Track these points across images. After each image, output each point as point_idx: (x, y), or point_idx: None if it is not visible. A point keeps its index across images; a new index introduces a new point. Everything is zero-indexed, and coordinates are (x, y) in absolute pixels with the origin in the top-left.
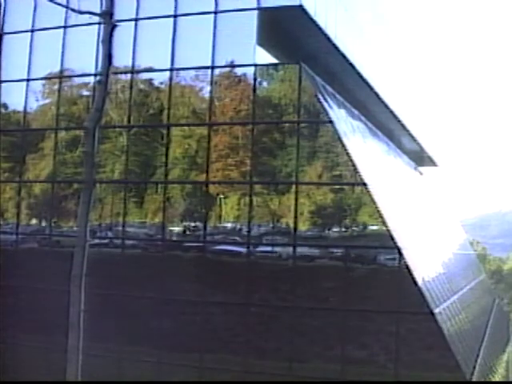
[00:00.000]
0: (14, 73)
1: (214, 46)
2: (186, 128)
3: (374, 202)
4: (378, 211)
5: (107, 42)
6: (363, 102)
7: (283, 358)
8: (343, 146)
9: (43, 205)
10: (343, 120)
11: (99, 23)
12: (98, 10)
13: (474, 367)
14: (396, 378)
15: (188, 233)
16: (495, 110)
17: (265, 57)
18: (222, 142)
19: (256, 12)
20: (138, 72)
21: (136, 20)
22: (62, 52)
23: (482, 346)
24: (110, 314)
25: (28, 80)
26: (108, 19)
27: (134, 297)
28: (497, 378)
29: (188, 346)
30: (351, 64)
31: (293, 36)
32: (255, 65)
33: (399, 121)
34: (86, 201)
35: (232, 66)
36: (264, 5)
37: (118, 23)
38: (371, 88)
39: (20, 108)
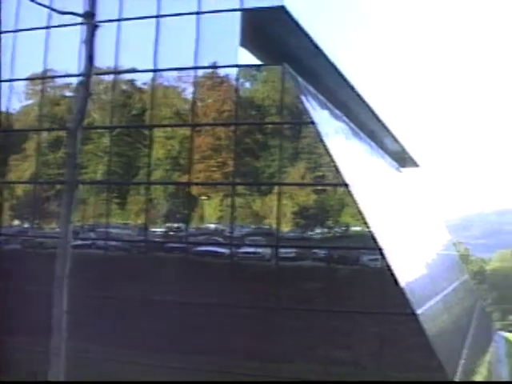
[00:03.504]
0: None
1: (196, 47)
2: (168, 129)
3: (356, 203)
4: (361, 212)
5: (89, 42)
6: (346, 103)
7: (266, 358)
8: (326, 146)
9: (26, 206)
10: (326, 121)
11: (81, 24)
12: (80, 11)
13: (457, 368)
14: (379, 378)
15: (171, 234)
16: (478, 111)
17: (248, 58)
18: (204, 142)
19: (239, 13)
20: (121, 73)
21: (118, 21)
22: (45, 53)
23: (464, 347)
24: (91, 315)
25: (10, 81)
26: (90, 20)
27: (116, 298)
28: (479, 379)
29: (169, 347)
30: (334, 65)
31: (276, 37)
32: (238, 66)
33: (381, 122)
34: (68, 202)
35: (215, 67)
36: (247, 6)
37: (100, 24)
38: (354, 89)
39: (2, 109)
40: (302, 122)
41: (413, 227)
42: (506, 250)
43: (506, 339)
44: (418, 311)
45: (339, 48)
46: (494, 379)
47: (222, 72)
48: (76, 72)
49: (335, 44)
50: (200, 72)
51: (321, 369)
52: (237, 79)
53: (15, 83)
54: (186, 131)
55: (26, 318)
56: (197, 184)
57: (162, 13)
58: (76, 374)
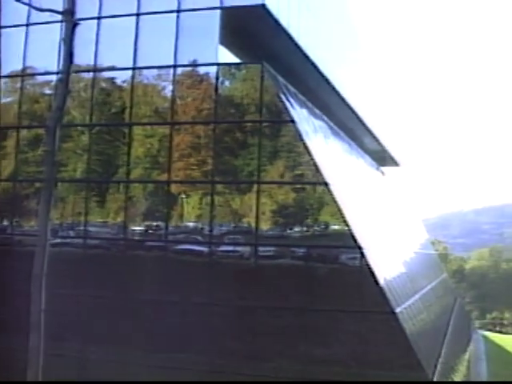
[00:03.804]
0: None
1: (176, 45)
2: (148, 127)
3: (335, 202)
4: (340, 211)
5: (68, 40)
6: (325, 102)
7: (245, 357)
8: (305, 145)
9: (5, 204)
10: (305, 120)
11: (61, 21)
12: (60, 8)
13: (436, 366)
14: (358, 376)
15: (150, 232)
16: (457, 109)
17: (227, 56)
18: (184, 141)
19: (218, 11)
20: (100, 70)
21: (98, 18)
22: (24, 50)
23: (443, 345)
24: (69, 314)
25: None
26: (69, 17)
27: (95, 296)
28: (458, 377)
29: (149, 346)
30: (313, 64)
31: (255, 35)
32: (217, 64)
33: (361, 121)
34: (46, 200)
35: (194, 65)
36: (226, 4)
37: (79, 21)
38: (333, 88)
39: None
40: (281, 120)
41: (392, 226)
42: (484, 249)
43: (485, 338)
44: (397, 310)
45: (319, 47)
46: (473, 377)
47: (201, 70)
48: (55, 69)
49: (315, 43)
50: (179, 70)
51: (299, 367)
52: (216, 77)
53: None
54: (166, 129)
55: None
56: (176, 182)
57: (142, 11)
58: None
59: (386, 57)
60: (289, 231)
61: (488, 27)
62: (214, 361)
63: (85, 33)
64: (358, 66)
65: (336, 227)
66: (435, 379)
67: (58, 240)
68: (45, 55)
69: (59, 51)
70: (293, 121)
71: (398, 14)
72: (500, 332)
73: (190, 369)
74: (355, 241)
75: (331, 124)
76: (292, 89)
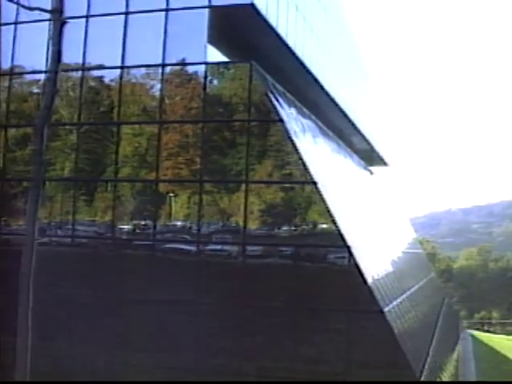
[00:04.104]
0: None
1: (164, 44)
2: (136, 126)
3: (323, 201)
4: (328, 210)
5: (57, 38)
6: (314, 101)
7: (233, 356)
8: (293, 145)
9: None
10: (293, 119)
11: (49, 20)
12: (48, 7)
13: (424, 365)
14: (346, 376)
15: (138, 231)
16: (446, 109)
17: (216, 55)
18: (172, 140)
19: (207, 10)
20: (89, 69)
21: (87, 17)
22: (13, 48)
23: (431, 345)
24: (55, 312)
25: None
26: (58, 16)
27: (82, 295)
28: (446, 377)
29: (136, 345)
30: (302, 63)
31: (244, 35)
32: (206, 63)
33: (350, 120)
34: (34, 199)
35: (183, 64)
36: (215, 3)
37: (67, 20)
38: (322, 87)
39: None
40: (269, 119)
41: (380, 225)
42: (472, 249)
43: (473, 337)
44: (385, 309)
45: (308, 46)
46: (461, 377)
47: (190, 69)
48: (43, 68)
49: (304, 42)
50: (168, 69)
51: (286, 366)
52: (205, 77)
53: None
54: (154, 128)
55: None
56: (164, 181)
57: (131, 9)
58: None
59: (375, 56)
60: (277, 230)
61: (477, 29)
62: (199, 359)
63: (73, 31)
64: (347, 66)
65: (324, 226)
66: (423, 378)
67: (46, 239)
68: (33, 54)
69: (47, 50)
70: (281, 120)
71: (388, 11)
72: (488, 331)
73: (175, 368)
74: (343, 240)
75: (320, 123)
76: (280, 88)
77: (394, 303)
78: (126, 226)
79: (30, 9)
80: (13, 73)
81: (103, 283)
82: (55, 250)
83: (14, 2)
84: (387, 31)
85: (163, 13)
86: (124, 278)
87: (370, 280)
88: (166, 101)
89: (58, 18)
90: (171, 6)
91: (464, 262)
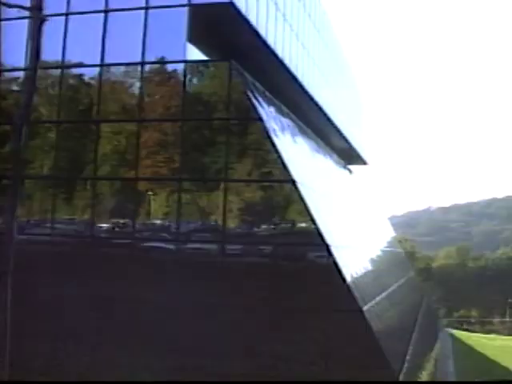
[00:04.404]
0: None
1: (144, 42)
2: (115, 124)
3: (302, 200)
4: (307, 209)
5: (36, 36)
6: (294, 100)
7: (210, 355)
8: (272, 143)
9: None
10: (272, 118)
11: (29, 17)
12: (28, 4)
13: (403, 364)
14: (324, 375)
15: (117, 229)
16: (426, 107)
17: (196, 54)
18: (151, 138)
19: (186, 9)
20: (68, 67)
21: (66, 15)
22: None
23: (410, 344)
24: (32, 311)
25: None
26: (37, 13)
27: (59, 294)
28: (425, 375)
29: (112, 344)
30: (282, 62)
31: (224, 33)
32: (185, 61)
33: (329, 119)
34: (12, 197)
35: (162, 62)
36: (194, 1)
37: (47, 17)
38: (302, 86)
39: None
40: (248, 118)
41: (359, 224)
42: (451, 248)
43: (452, 336)
44: (364, 308)
45: (287, 45)
46: (440, 376)
47: (169, 68)
48: (23, 66)
49: (283, 41)
50: (147, 67)
51: (264, 365)
52: (184, 75)
53: None
54: (133, 126)
55: None
56: (143, 180)
57: (110, 7)
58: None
59: (358, 55)
60: (256, 229)
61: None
62: (175, 359)
63: (53, 29)
64: (327, 64)
65: (303, 225)
66: (402, 377)
67: (25, 237)
68: (12, 51)
69: (27, 47)
70: (260, 119)
71: (372, 9)
72: (467, 330)
73: (149, 366)
74: (322, 239)
75: (299, 122)
76: (260, 87)
77: (373, 302)
78: (104, 225)
79: (9, 6)
80: None
81: (80, 282)
82: (33, 249)
83: None
84: (370, 29)
85: (143, 11)
86: (101, 277)
87: (348, 278)
88: (146, 99)
89: (38, 16)
90: (151, 4)
91: (443, 261)
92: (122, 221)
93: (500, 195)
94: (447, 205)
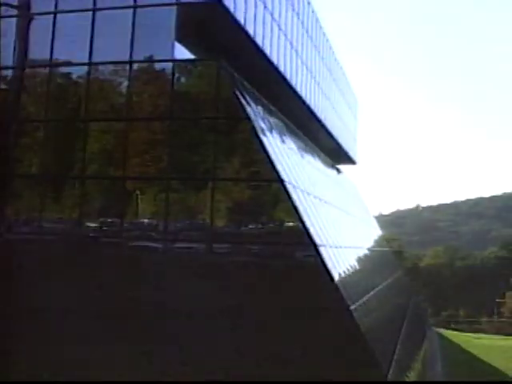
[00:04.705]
0: None
1: (132, 41)
2: (103, 123)
3: (290, 199)
4: (295, 208)
5: (23, 34)
6: (282, 100)
7: (197, 355)
8: (260, 142)
9: None
10: (261, 117)
11: (16, 16)
12: (15, 3)
13: (391, 363)
14: (313, 374)
15: (105, 228)
16: (414, 106)
17: (184, 53)
18: (139, 137)
19: (175, 7)
20: (56, 66)
21: (54, 13)
22: None
23: (398, 343)
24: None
25: None
26: (25, 12)
27: (44, 293)
28: (413, 374)
29: (97, 342)
30: (270, 61)
31: (212, 32)
32: (173, 60)
33: (318, 119)
34: (1, 196)
35: (150, 61)
36: (183, 0)
37: (35, 16)
38: (290, 85)
39: None
40: (236, 117)
41: (347, 224)
42: (438, 247)
43: (440, 335)
44: (352, 307)
45: (276, 44)
46: (428, 375)
47: (157, 66)
48: (11, 64)
49: (272, 40)
50: (136, 66)
51: (252, 365)
52: (172, 74)
53: None
54: (122, 125)
55: None
56: (131, 179)
57: (98, 6)
58: None
59: (349, 55)
60: (244, 228)
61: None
62: (160, 357)
63: (41, 27)
64: (316, 64)
65: (291, 224)
66: (390, 376)
67: (12, 236)
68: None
69: (14, 46)
70: (248, 118)
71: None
72: (455, 329)
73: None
74: (310, 238)
75: (287, 121)
76: (248, 86)
77: (361, 301)
78: (92, 224)
79: None
80: None
81: (66, 280)
82: (20, 247)
83: None
84: (360, 27)
85: (131, 10)
86: (87, 275)
87: (336, 278)
88: (134, 98)
89: (25, 14)
90: (139, 3)
91: (431, 260)
92: (109, 220)
93: (487, 194)
94: (434, 204)
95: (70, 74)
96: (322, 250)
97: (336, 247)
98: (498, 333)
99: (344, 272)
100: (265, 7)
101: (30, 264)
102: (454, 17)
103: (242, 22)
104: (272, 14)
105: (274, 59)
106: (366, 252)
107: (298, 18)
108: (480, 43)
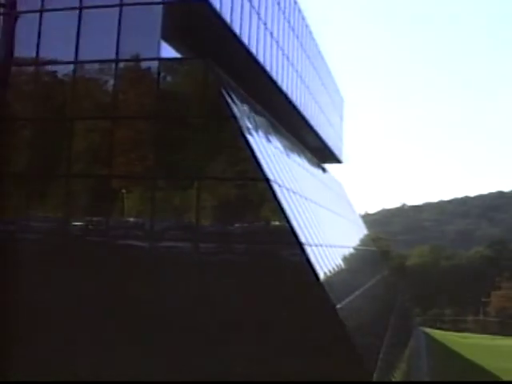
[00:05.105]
0: None
1: (118, 40)
2: (89, 121)
3: (276, 198)
4: (281, 207)
5: (9, 32)
6: (268, 99)
7: (183, 353)
8: (246, 141)
9: None
10: (246, 116)
11: (2, 14)
12: (1, 1)
13: (376, 362)
14: (298, 373)
15: (90, 227)
16: (400, 105)
17: (170, 52)
18: (125, 136)
19: (161, 6)
20: (42, 64)
21: (40, 12)
22: None
23: (384, 342)
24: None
25: None
26: (10, 10)
27: (23, 292)
28: (399, 373)
29: (72, 342)
30: (256, 60)
31: (198, 31)
32: (159, 59)
33: (304, 118)
34: None
35: (136, 60)
36: None
37: (21, 14)
38: (276, 84)
39: None
40: (223, 116)
41: (333, 223)
42: (424, 246)
43: (426, 334)
44: (338, 306)
45: (262, 43)
46: (414, 374)
47: (143, 65)
48: None
49: (258, 39)
50: (122, 65)
51: (232, 364)
52: (158, 73)
53: None
54: (108, 124)
55: None
56: (117, 177)
57: (84, 4)
58: None
59: (337, 53)
60: (230, 227)
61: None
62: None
63: (27, 26)
64: (303, 63)
65: (277, 223)
66: (375, 375)
67: None
68: None
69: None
70: (234, 117)
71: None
72: (441, 328)
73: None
74: (296, 237)
75: (273, 120)
76: (234, 85)
77: (347, 300)
78: (78, 223)
79: None
80: None
81: (52, 279)
82: (4, 246)
83: None
84: (347, 25)
85: (117, 8)
86: (73, 275)
87: (322, 277)
88: (120, 96)
89: (11, 12)
90: (125, 2)
91: (417, 260)
92: (95, 218)
93: (472, 194)
94: (420, 203)
95: (56, 72)
96: (308, 249)
97: (322, 246)
98: (483, 332)
99: (330, 271)
100: (251, 6)
101: (13, 263)
102: (443, 15)
103: (229, 21)
104: (258, 13)
105: (261, 58)
106: (352, 251)
107: (285, 17)
108: (466, 42)
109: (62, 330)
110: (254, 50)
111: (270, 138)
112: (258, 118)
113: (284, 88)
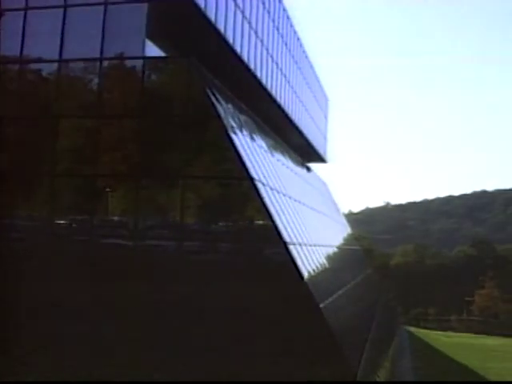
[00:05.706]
0: None
1: (103, 38)
2: (74, 120)
3: (261, 197)
4: (265, 206)
5: None
6: (253, 98)
7: (167, 353)
8: (230, 140)
9: None
10: (231, 115)
11: None
12: None
13: (360, 361)
14: (282, 374)
15: (74, 226)
16: (386, 104)
17: (155, 50)
18: (110, 135)
19: (146, 5)
20: (27, 62)
21: (25, 10)
22: None
23: (367, 341)
24: None
25: None
26: None
27: (10, 291)
28: (382, 373)
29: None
30: (241, 59)
31: (183, 30)
32: (144, 58)
33: (288, 117)
34: None
35: (120, 58)
36: None
37: (5, 12)
38: (260, 83)
39: None
40: (207, 115)
41: (317, 222)
42: (408, 245)
43: (410, 333)
44: (321, 305)
45: (246, 42)
46: (397, 373)
47: (128, 64)
48: None
49: (242, 38)
50: (106, 63)
51: (221, 364)
52: (143, 71)
53: None
54: (92, 123)
55: None
56: (102, 176)
57: (69, 2)
58: None
59: (323, 54)
60: (214, 226)
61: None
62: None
63: (11, 24)
64: (288, 62)
65: (261, 222)
66: (360, 374)
67: None
68: None
69: None
70: (219, 116)
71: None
72: (424, 327)
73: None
74: (280, 236)
75: (258, 120)
76: (219, 84)
77: (330, 299)
78: (63, 221)
79: None
80: None
81: (34, 279)
82: None
83: None
84: (335, 26)
85: (102, 6)
86: (56, 274)
87: (306, 276)
88: (105, 95)
89: None
90: (110, 0)
91: (400, 259)
92: (79, 217)
93: (456, 193)
94: (404, 202)
95: (40, 70)
96: (292, 247)
97: (306, 245)
98: (467, 331)
99: (313, 270)
100: (236, 6)
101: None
102: (430, 11)
103: (213, 20)
104: (243, 12)
105: (245, 57)
106: (336, 250)
107: (269, 16)
108: (454, 38)
109: (44, 328)
110: (238, 49)
111: (255, 137)
112: (243, 117)
113: (268, 87)
